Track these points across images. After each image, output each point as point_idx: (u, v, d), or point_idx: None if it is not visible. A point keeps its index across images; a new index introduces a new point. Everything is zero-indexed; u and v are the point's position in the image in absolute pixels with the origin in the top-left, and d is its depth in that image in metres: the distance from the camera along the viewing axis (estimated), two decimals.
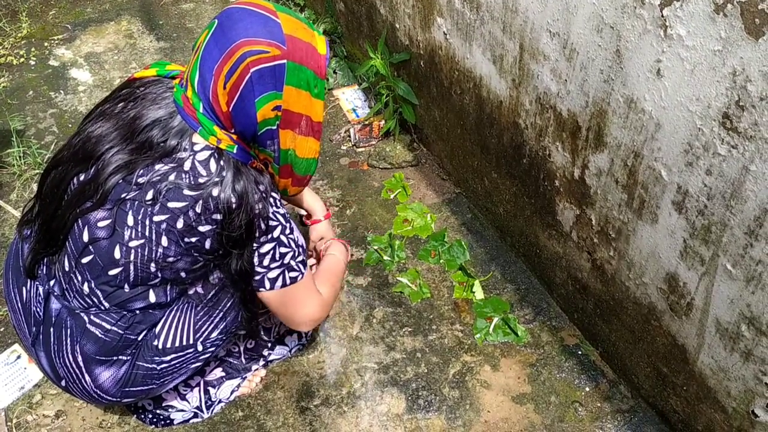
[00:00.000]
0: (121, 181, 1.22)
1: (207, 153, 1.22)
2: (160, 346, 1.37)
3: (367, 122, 2.50)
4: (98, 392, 1.37)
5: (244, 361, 1.70)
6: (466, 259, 2.03)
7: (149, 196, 1.20)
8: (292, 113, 1.23)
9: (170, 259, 1.25)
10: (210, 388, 1.66)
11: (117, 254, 1.24)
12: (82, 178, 1.27)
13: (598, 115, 1.39)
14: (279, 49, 1.17)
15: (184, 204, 1.19)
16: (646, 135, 1.28)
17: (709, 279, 1.26)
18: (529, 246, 1.93)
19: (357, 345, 1.82)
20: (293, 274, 1.35)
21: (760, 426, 1.29)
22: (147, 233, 1.22)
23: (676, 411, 1.54)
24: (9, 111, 2.63)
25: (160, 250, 1.23)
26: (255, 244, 1.27)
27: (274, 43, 1.16)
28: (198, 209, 1.20)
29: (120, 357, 1.35)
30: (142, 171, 1.21)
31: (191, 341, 1.39)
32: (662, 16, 1.13)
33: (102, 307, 1.32)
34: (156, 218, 1.20)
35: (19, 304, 1.41)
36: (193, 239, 1.23)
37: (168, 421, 1.63)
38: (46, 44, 3.03)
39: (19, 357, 1.78)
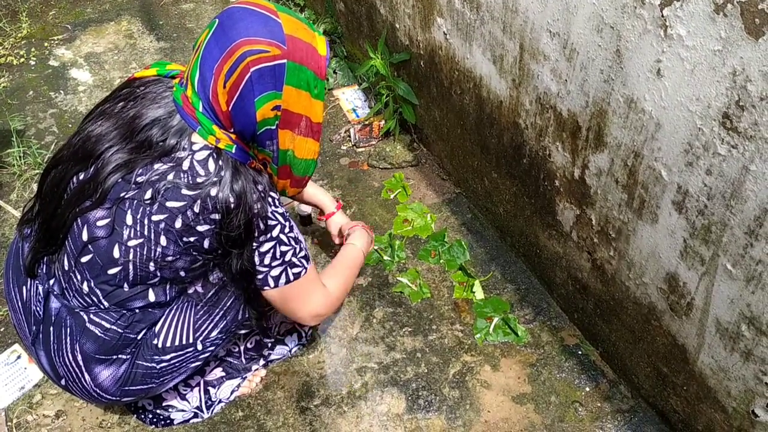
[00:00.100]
0: (120, 180, 1.22)
1: (206, 152, 1.22)
2: (159, 345, 1.37)
3: (367, 122, 2.51)
4: (98, 391, 1.37)
5: (244, 361, 1.70)
6: (466, 259, 2.03)
7: (148, 195, 1.20)
8: (291, 113, 1.23)
9: (169, 259, 1.25)
10: (210, 388, 1.66)
11: (116, 253, 1.24)
12: (81, 177, 1.27)
13: (599, 115, 1.39)
14: (279, 48, 1.17)
15: (182, 203, 1.20)
16: (646, 135, 1.28)
17: (709, 279, 1.26)
18: (529, 246, 1.93)
19: (357, 345, 1.82)
20: (296, 270, 1.35)
21: (761, 426, 1.29)
22: (146, 232, 1.22)
23: (676, 411, 1.54)
24: (9, 111, 2.63)
25: (159, 249, 1.23)
26: (255, 244, 1.27)
27: (275, 42, 1.16)
28: (196, 209, 1.20)
29: (119, 356, 1.35)
30: (141, 170, 1.21)
31: (191, 340, 1.39)
32: (662, 16, 1.13)
33: (101, 306, 1.32)
34: (155, 217, 1.21)
35: (20, 303, 1.41)
36: (192, 239, 1.23)
37: (168, 421, 1.63)
38: (46, 44, 3.04)
39: (19, 357, 1.78)
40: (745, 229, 1.14)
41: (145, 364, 1.37)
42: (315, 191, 1.82)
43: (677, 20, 1.10)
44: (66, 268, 1.31)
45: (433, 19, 1.94)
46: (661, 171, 1.28)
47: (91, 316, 1.32)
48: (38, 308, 1.37)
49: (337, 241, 1.83)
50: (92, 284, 1.29)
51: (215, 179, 1.20)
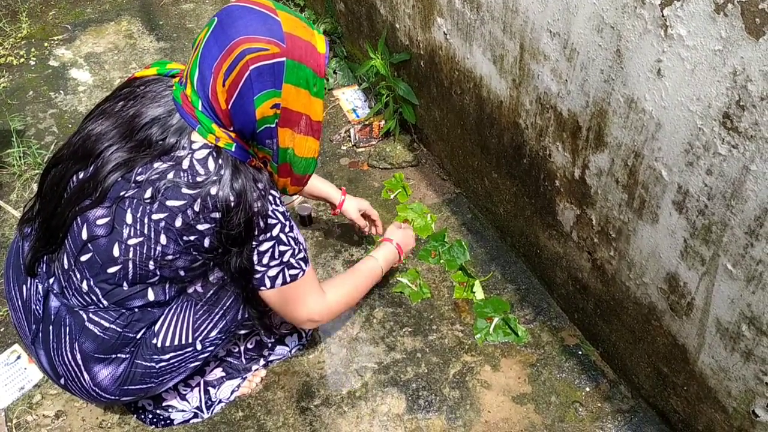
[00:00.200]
0: (120, 179, 1.22)
1: (205, 151, 1.21)
2: (159, 345, 1.36)
3: (367, 122, 2.50)
4: (97, 390, 1.37)
5: (244, 361, 1.70)
6: (467, 260, 2.03)
7: (148, 194, 1.20)
8: (291, 111, 1.23)
9: (169, 257, 1.25)
10: (210, 388, 1.66)
11: (116, 252, 1.24)
12: (81, 176, 1.27)
13: (599, 115, 1.39)
14: (278, 46, 1.17)
15: (182, 202, 1.19)
16: (646, 135, 1.28)
17: (709, 279, 1.26)
18: (529, 246, 1.93)
19: (357, 345, 1.82)
20: (293, 271, 1.35)
21: (761, 426, 1.29)
22: (146, 231, 1.22)
23: (676, 411, 1.54)
24: (9, 111, 2.63)
25: (159, 248, 1.23)
26: (254, 243, 1.27)
27: (274, 40, 1.16)
28: (196, 208, 1.20)
29: (119, 355, 1.35)
30: (141, 169, 1.21)
31: (190, 340, 1.39)
32: (663, 15, 1.13)
33: (101, 305, 1.32)
34: (155, 216, 1.20)
35: (20, 302, 1.41)
36: (192, 237, 1.23)
37: (168, 421, 1.63)
38: (46, 44, 3.04)
39: (19, 357, 1.78)
40: (745, 228, 1.14)
41: (144, 363, 1.37)
42: (318, 182, 1.85)
43: (677, 20, 1.10)
44: (66, 266, 1.31)
45: (433, 19, 1.94)
46: (661, 171, 1.27)
47: (91, 315, 1.32)
48: (38, 307, 1.37)
49: (361, 223, 1.88)
50: (92, 283, 1.29)
51: (215, 178, 1.20)
